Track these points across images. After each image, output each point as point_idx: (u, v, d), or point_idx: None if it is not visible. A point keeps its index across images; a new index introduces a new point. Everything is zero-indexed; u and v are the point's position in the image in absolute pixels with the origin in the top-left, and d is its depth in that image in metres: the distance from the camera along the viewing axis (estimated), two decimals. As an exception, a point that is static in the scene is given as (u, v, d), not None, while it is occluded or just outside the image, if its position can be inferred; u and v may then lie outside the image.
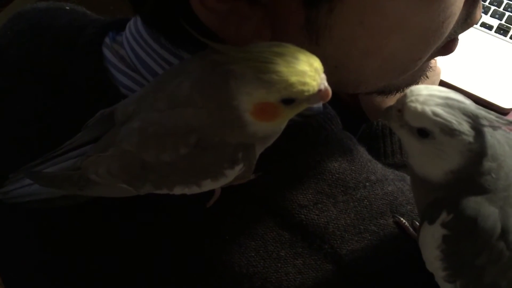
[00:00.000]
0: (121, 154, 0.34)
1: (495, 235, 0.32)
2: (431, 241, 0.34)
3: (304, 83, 0.29)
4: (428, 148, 0.33)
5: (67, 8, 0.52)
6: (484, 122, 0.32)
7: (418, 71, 0.45)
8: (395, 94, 0.47)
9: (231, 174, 0.33)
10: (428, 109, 0.32)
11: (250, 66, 0.29)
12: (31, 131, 0.45)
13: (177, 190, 0.34)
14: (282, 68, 0.29)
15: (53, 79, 0.45)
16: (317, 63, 0.30)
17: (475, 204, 0.33)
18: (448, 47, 0.43)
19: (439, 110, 0.32)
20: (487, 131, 0.32)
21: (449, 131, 0.31)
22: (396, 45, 0.37)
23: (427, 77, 0.47)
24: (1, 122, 0.47)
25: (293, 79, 0.29)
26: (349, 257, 0.37)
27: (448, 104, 0.32)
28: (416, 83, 0.47)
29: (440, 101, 0.32)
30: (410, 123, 0.33)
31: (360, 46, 0.36)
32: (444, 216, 0.33)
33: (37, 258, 0.44)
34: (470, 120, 0.32)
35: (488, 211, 0.32)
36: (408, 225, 0.39)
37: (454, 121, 0.31)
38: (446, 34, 0.39)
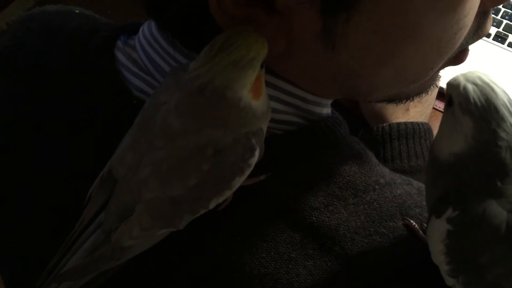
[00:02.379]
0: (147, 206, 0.34)
1: (500, 235, 0.33)
2: (436, 234, 0.35)
3: (263, 41, 0.33)
4: (448, 119, 0.35)
5: (77, 11, 0.53)
6: (503, 125, 0.32)
7: (429, 80, 0.45)
8: (405, 103, 0.48)
9: (254, 162, 0.34)
10: (462, 82, 0.34)
11: (225, 67, 0.32)
12: (42, 133, 0.45)
13: (212, 204, 0.35)
14: (244, 43, 0.32)
15: (65, 80, 0.45)
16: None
17: (482, 204, 0.33)
18: (459, 57, 0.44)
19: (469, 87, 0.33)
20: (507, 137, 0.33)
21: (464, 107, 0.33)
22: (410, 55, 0.37)
23: (436, 86, 0.48)
24: (12, 123, 0.47)
25: (258, 43, 0.32)
26: (359, 259, 0.38)
27: (483, 88, 0.33)
28: (426, 92, 0.47)
29: (479, 82, 0.33)
30: (448, 90, 0.35)
31: (374, 54, 0.37)
32: (450, 212, 0.34)
33: None
34: (489, 111, 0.33)
35: (494, 211, 0.33)
36: (417, 227, 0.40)
37: (472, 101, 0.33)
38: (458, 45, 0.40)
